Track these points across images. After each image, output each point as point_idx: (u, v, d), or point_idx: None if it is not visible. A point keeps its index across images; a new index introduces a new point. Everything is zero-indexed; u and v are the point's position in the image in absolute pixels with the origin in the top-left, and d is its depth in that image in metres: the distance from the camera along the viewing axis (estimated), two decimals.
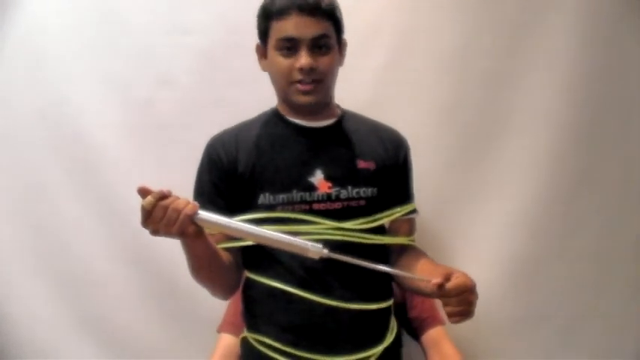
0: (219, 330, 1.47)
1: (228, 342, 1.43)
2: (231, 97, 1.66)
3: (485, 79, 1.69)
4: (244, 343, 1.29)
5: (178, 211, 0.99)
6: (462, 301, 0.99)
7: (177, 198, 1.01)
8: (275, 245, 1.06)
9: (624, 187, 1.72)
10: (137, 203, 1.64)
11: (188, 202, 1.01)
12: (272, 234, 1.05)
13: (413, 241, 1.32)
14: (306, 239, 1.07)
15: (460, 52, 1.69)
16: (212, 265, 1.15)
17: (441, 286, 0.98)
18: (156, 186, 1.01)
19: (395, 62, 1.67)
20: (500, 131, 1.70)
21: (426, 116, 1.61)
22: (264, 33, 1.22)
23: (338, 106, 1.32)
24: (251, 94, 1.63)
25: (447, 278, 1.00)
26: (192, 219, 1.01)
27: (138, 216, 1.63)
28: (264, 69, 1.25)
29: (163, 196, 1.00)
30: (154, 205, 0.99)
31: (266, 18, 1.20)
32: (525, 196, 1.69)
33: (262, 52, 1.25)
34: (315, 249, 1.03)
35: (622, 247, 1.71)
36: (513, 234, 1.69)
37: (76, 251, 1.69)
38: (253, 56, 1.59)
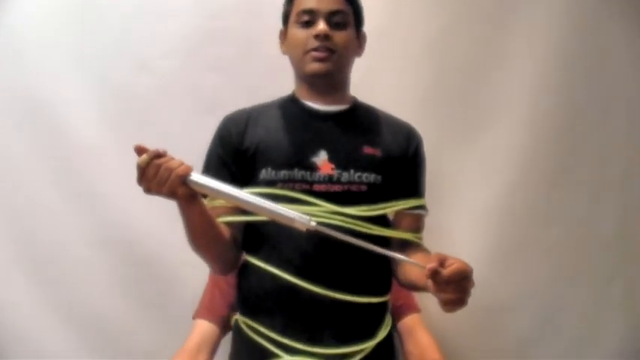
0: (195, 316, 1.46)
1: (204, 328, 1.41)
2: (210, 84, 1.66)
3: (465, 67, 1.70)
4: (235, 326, 1.29)
5: (170, 171, 1.00)
6: (458, 288, 0.96)
7: (172, 158, 1.02)
8: (262, 213, 1.05)
9: (602, 176, 1.74)
10: (115, 188, 1.65)
11: (182, 164, 1.02)
12: (260, 201, 1.04)
13: (420, 238, 1.29)
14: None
15: (441, 40, 1.70)
16: (208, 235, 1.14)
17: (435, 271, 0.94)
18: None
19: (375, 50, 1.67)
20: (479, 120, 1.71)
21: (405, 105, 1.59)
22: (286, 15, 1.27)
23: (353, 97, 1.33)
24: (230, 81, 1.64)
25: (441, 263, 0.96)
26: (183, 180, 1.01)
27: (116, 201, 1.66)
28: (284, 52, 1.28)
29: (158, 155, 1.01)
30: (148, 163, 1.00)
31: (290, 1, 1.26)
32: (503, 185, 1.70)
33: (283, 36, 1.29)
34: (302, 220, 1.01)
35: (599, 237, 1.74)
36: (491, 223, 1.69)
37: (53, 237, 1.67)
38: (233, 42, 1.59)
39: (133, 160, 1.01)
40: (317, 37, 1.19)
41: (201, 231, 1.12)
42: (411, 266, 1.18)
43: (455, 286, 0.95)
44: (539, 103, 1.70)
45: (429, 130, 1.64)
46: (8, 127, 1.66)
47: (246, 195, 1.05)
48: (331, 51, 1.20)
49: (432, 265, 0.93)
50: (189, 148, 1.20)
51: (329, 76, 1.23)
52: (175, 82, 1.67)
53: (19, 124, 1.66)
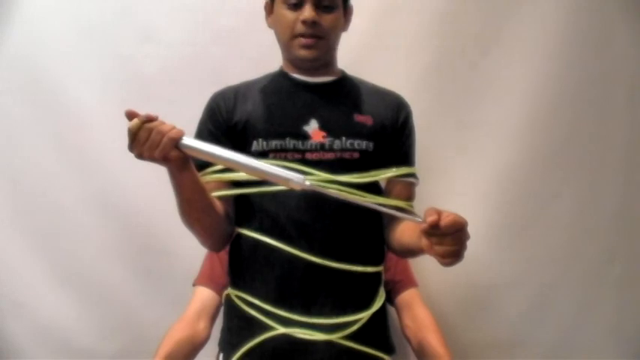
0: (195, 283, 1.46)
1: (204, 295, 1.41)
2: (214, 55, 1.65)
3: (467, 44, 1.69)
4: (227, 300, 1.29)
5: (162, 134, 1.00)
6: (455, 239, 0.95)
7: (163, 122, 1.01)
8: (257, 175, 1.05)
9: (602, 155, 1.74)
10: (116, 157, 1.65)
11: (173, 127, 1.01)
12: (255, 162, 1.03)
13: (411, 206, 1.29)
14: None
15: (442, 18, 1.68)
16: (201, 206, 1.13)
17: (436, 224, 0.93)
18: None
19: (377, 27, 1.67)
20: (480, 97, 1.70)
21: (406, 81, 1.60)
22: None
23: (341, 70, 1.32)
24: (235, 52, 1.64)
25: (439, 217, 0.94)
26: (175, 144, 1.01)
27: (116, 170, 1.67)
28: (270, 26, 1.27)
29: (149, 119, 1.00)
30: (139, 128, 0.99)
31: None
32: (503, 163, 1.70)
33: (270, 8, 1.27)
34: (297, 180, 1.01)
35: (598, 216, 1.74)
36: (489, 201, 1.70)
37: (53, 206, 1.68)
38: (237, 13, 1.58)
39: None
40: (304, 22, 1.17)
41: (193, 201, 1.11)
42: (404, 229, 1.19)
43: (452, 239, 0.94)
44: (539, 82, 1.69)
45: (431, 105, 1.66)
46: (10, 95, 1.66)
47: (239, 156, 1.04)
48: (319, 37, 1.19)
49: (432, 217, 0.92)
50: (193, 119, 1.21)
51: (316, 60, 1.23)
52: (180, 54, 1.66)
53: (21, 92, 1.66)
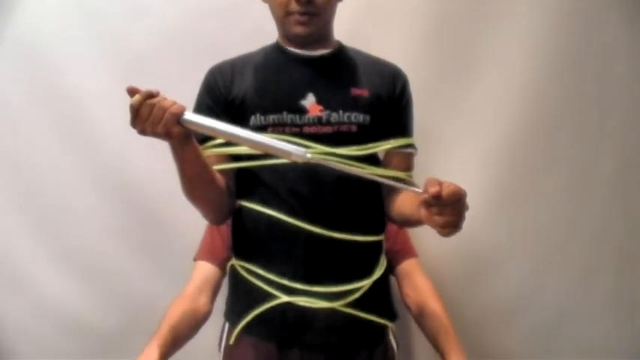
0: (196, 258, 1.47)
1: (206, 270, 1.42)
2: (210, 28, 1.64)
3: (465, 11, 1.68)
4: (231, 270, 1.31)
5: (164, 110, 1.00)
6: (455, 210, 0.96)
7: (165, 98, 1.02)
8: (259, 148, 1.06)
9: (600, 122, 1.74)
10: (115, 134, 1.64)
11: (175, 103, 1.02)
12: (256, 136, 1.04)
13: (410, 177, 1.30)
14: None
15: None
16: (203, 181, 1.15)
17: (438, 195, 0.93)
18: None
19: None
20: (478, 64, 1.69)
21: (403, 49, 1.59)
22: None
23: (338, 41, 1.32)
24: (230, 25, 1.63)
25: (440, 187, 0.95)
26: (178, 119, 1.01)
27: (116, 147, 1.68)
28: (264, 0, 1.25)
29: (151, 95, 1.00)
30: (141, 104, 1.00)
31: None
32: (501, 132, 1.70)
33: None
34: (298, 152, 1.02)
35: (596, 184, 1.75)
36: (489, 169, 1.70)
37: (53, 185, 1.69)
38: None
39: None
40: (298, 1, 1.16)
41: (195, 176, 1.13)
42: (403, 200, 1.20)
43: (452, 209, 0.95)
44: (538, 50, 1.68)
45: (427, 74, 1.65)
46: (6, 75, 1.65)
47: (241, 130, 1.04)
48: (313, 14, 1.18)
49: (434, 188, 0.93)
50: (188, 93, 1.21)
51: (311, 36, 1.22)
52: (175, 28, 1.65)
53: (17, 70, 1.65)
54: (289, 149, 1.03)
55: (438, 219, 0.96)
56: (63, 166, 1.68)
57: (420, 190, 0.98)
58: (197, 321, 1.33)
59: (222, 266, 1.41)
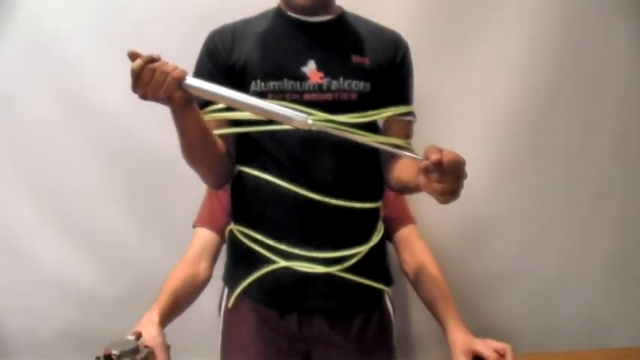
0: (195, 225, 1.47)
1: (205, 236, 1.42)
2: (209, 3, 1.62)
3: None
4: (230, 235, 1.33)
5: (166, 74, 1.00)
6: (454, 177, 0.96)
7: (166, 63, 1.01)
8: (261, 114, 1.05)
9: (600, 90, 1.73)
10: (114, 100, 1.63)
11: (176, 67, 1.01)
12: (258, 101, 1.04)
13: (409, 144, 1.30)
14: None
15: None
16: (204, 145, 1.15)
17: (439, 162, 0.93)
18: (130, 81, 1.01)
19: None
20: (480, 32, 1.67)
21: (404, 16, 1.57)
22: None
23: (340, 7, 1.31)
24: None
25: (441, 154, 0.95)
26: (179, 83, 1.01)
27: (115, 114, 1.66)
28: None
29: (152, 59, 1.00)
30: (143, 68, 0.99)
31: None
32: (501, 98, 1.70)
33: None
34: (299, 118, 1.02)
35: (596, 148, 1.75)
36: (488, 135, 1.71)
37: (54, 152, 1.68)
38: None
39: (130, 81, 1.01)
40: None
41: (196, 140, 1.13)
42: (401, 166, 1.21)
43: (451, 176, 0.96)
44: (539, 18, 1.66)
45: (430, 41, 1.64)
46: (5, 47, 1.64)
47: (243, 95, 1.04)
48: None
49: (436, 156, 0.93)
50: (188, 60, 1.20)
51: (313, 5, 1.21)
52: (174, 2, 1.63)
53: (17, 45, 1.63)
54: (290, 115, 1.03)
55: (437, 186, 0.97)
56: (62, 135, 1.67)
57: (419, 157, 0.98)
58: (197, 286, 1.35)
59: (221, 233, 1.42)
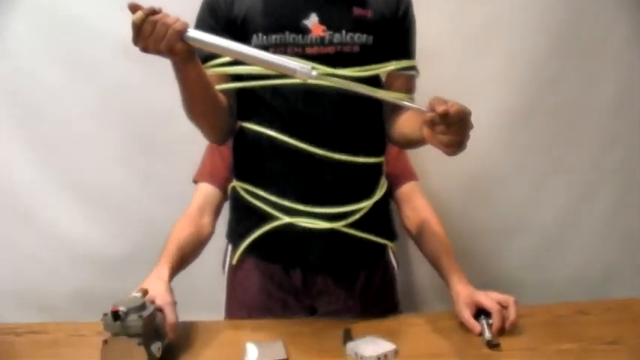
0: (196, 179, 1.45)
1: (207, 191, 1.41)
2: None
3: None
4: (233, 192, 1.32)
5: (167, 26, 0.98)
6: (460, 129, 0.95)
7: (168, 15, 0.99)
8: (264, 66, 1.03)
9: (603, 48, 1.72)
10: (114, 60, 1.63)
11: (178, 19, 0.99)
12: (261, 53, 1.02)
13: (411, 99, 1.29)
14: (299, 83, 1.07)
15: None
16: (206, 99, 1.13)
17: (446, 113, 0.92)
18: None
19: None
20: None
21: None
22: None
23: None
24: None
25: (446, 104, 0.95)
26: (181, 36, 0.99)
27: (115, 74, 1.66)
28: None
29: (153, 11, 0.98)
30: (144, 20, 0.97)
31: None
32: (503, 53, 1.70)
33: None
34: (303, 70, 1.01)
35: (597, 102, 1.75)
36: (490, 89, 1.70)
37: (54, 114, 1.68)
38: None
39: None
40: None
41: (198, 94, 1.11)
42: (405, 121, 1.20)
43: (457, 128, 0.95)
44: None
45: None
46: (5, 8, 1.62)
47: (245, 47, 1.02)
48: None
49: (442, 107, 0.92)
50: (186, 14, 1.17)
51: None
52: None
53: (16, 4, 1.62)
54: (294, 66, 1.01)
55: (443, 138, 0.96)
56: (64, 93, 1.67)
57: (424, 109, 0.97)
58: (201, 242, 1.35)
59: (222, 187, 1.41)
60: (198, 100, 1.13)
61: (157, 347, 1.01)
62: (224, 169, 1.40)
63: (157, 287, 1.10)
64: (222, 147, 1.39)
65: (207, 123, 1.19)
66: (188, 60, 1.04)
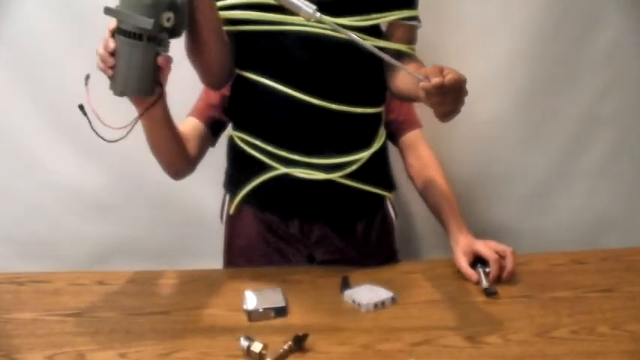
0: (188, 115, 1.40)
1: (192, 123, 1.36)
2: None
3: None
4: (230, 142, 1.32)
5: None
6: (456, 98, 0.95)
7: None
8: None
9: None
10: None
11: None
12: None
13: (413, 49, 1.26)
14: (298, 30, 1.07)
15: None
16: (211, 27, 1.09)
17: (441, 85, 0.90)
18: None
19: None
20: None
21: None
22: None
23: None
24: None
25: (441, 74, 0.93)
26: None
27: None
28: None
29: None
30: None
31: None
32: (509, 13, 1.68)
33: None
34: (307, 9, 0.97)
35: (592, 51, 1.72)
36: (493, 39, 1.68)
37: (50, 60, 1.65)
38: None
39: None
40: None
41: (204, 22, 1.07)
42: (403, 76, 1.17)
43: (452, 96, 0.94)
44: None
45: None
46: None
47: None
48: None
49: (437, 79, 0.90)
50: None
51: None
52: None
53: None
54: (299, 4, 0.98)
55: (437, 107, 0.96)
56: (59, 42, 1.64)
57: (420, 77, 0.95)
58: (186, 155, 1.29)
59: (209, 124, 1.37)
60: (204, 29, 1.08)
61: (166, 17, 0.97)
62: (214, 108, 1.38)
63: None
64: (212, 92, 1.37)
65: (208, 58, 1.14)
66: None
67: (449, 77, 0.92)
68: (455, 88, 0.93)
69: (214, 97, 1.39)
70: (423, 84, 0.93)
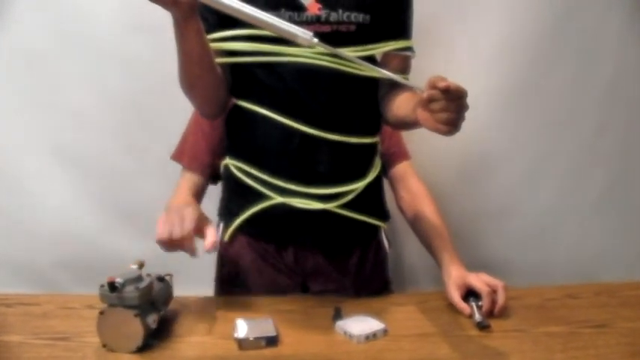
0: (175, 157, 1.41)
1: (193, 180, 1.37)
2: None
3: None
4: (226, 170, 1.32)
5: None
6: (458, 107, 0.94)
7: None
8: (265, 27, 1.01)
9: (601, 29, 1.72)
10: (109, 31, 1.62)
11: None
12: (264, 14, 1.00)
13: (407, 79, 1.27)
14: (294, 62, 1.09)
15: None
16: (203, 63, 1.11)
17: (447, 88, 0.90)
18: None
19: None
20: None
21: None
22: None
23: None
24: None
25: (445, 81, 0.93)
26: None
27: (109, 44, 1.65)
28: None
29: None
30: None
31: None
32: (501, 33, 1.69)
33: None
34: (304, 36, 0.99)
35: (591, 87, 1.74)
36: (486, 70, 1.70)
37: (53, 84, 1.68)
38: None
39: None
40: None
41: (196, 54, 1.08)
42: (400, 102, 1.18)
43: (455, 105, 0.93)
44: None
45: None
46: None
47: (249, 8, 1.00)
48: None
49: (444, 82, 0.91)
50: None
51: None
52: None
53: None
54: (295, 31, 1.00)
55: (442, 116, 0.94)
56: (57, 65, 1.66)
57: (421, 89, 0.96)
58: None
59: (205, 173, 1.39)
60: (195, 62, 1.10)
61: (152, 319, 1.01)
62: (206, 152, 1.38)
63: (193, 209, 1.13)
64: (205, 126, 1.37)
65: (203, 89, 1.17)
66: (190, 16, 1.01)
67: (454, 84, 0.92)
68: (459, 96, 0.93)
69: (204, 139, 1.39)
70: (429, 91, 0.93)
